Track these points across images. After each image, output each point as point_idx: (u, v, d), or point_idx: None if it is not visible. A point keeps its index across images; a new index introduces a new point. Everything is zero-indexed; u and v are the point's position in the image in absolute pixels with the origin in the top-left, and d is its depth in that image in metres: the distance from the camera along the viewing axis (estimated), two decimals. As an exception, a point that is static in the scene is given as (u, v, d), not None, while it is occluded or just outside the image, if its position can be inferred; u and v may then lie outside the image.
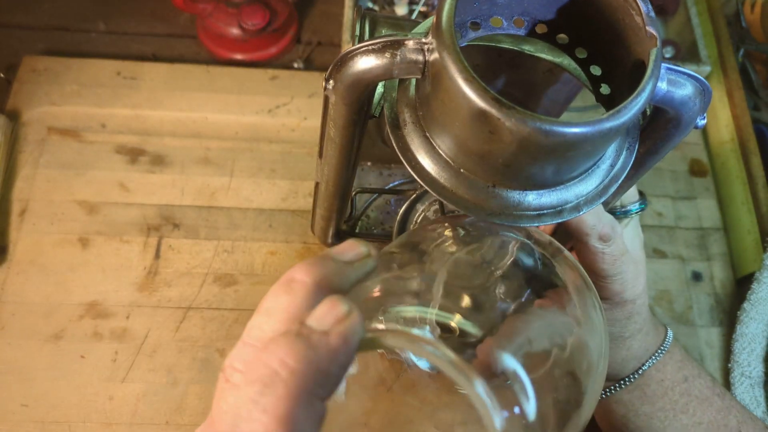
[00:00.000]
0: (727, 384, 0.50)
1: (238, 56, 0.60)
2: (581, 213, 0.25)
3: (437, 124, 0.24)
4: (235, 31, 0.58)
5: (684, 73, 0.24)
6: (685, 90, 0.24)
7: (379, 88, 0.27)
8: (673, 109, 0.25)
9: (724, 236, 0.56)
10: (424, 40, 0.22)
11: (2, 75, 0.57)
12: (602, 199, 0.25)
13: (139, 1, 0.62)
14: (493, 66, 0.30)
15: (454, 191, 0.24)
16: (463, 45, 0.26)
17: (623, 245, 0.34)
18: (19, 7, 0.61)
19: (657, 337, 0.40)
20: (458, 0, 0.22)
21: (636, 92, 0.21)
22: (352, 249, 0.22)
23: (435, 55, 0.22)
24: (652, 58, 0.21)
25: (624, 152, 0.26)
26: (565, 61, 0.28)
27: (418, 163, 0.25)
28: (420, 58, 0.22)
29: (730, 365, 0.50)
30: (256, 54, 0.60)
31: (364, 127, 0.28)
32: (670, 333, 0.41)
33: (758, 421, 0.41)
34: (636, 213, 0.37)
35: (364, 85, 0.24)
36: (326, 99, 0.26)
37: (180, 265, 0.50)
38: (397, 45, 0.23)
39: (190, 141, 0.55)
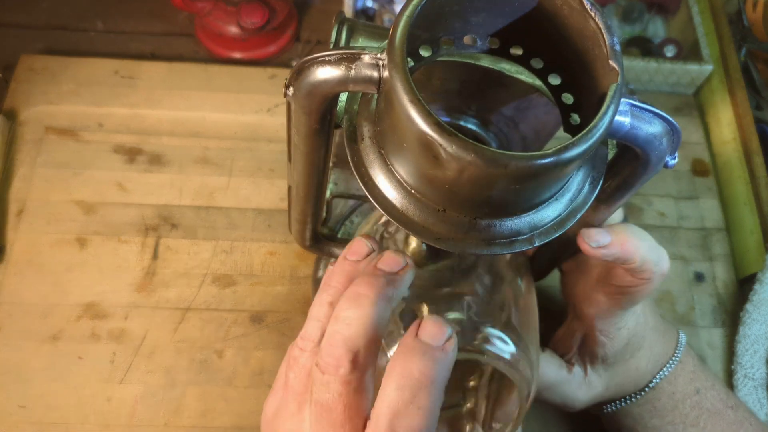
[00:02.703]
0: (730, 386, 0.49)
1: (237, 55, 0.60)
2: (534, 245, 0.24)
3: (390, 143, 0.23)
4: (233, 29, 0.58)
5: (650, 112, 0.23)
6: (651, 128, 0.23)
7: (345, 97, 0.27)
8: (638, 147, 0.24)
9: (727, 236, 0.56)
10: (379, 55, 0.22)
11: (0, 74, 0.57)
12: (558, 233, 0.24)
13: (137, 0, 0.62)
14: (479, 83, 0.29)
15: (404, 212, 0.23)
16: (439, 59, 0.25)
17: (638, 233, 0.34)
18: (16, 6, 0.61)
19: (668, 345, 0.40)
20: (422, 17, 0.21)
21: (586, 130, 0.20)
22: (396, 263, 0.26)
23: (386, 72, 0.21)
24: (610, 94, 0.21)
25: (587, 186, 0.25)
26: (544, 85, 0.27)
27: (371, 179, 0.24)
28: (375, 74, 0.22)
29: (732, 367, 0.50)
30: (255, 53, 0.60)
31: (331, 136, 0.27)
32: (682, 338, 0.40)
33: None
34: None
35: (322, 95, 0.23)
36: (288, 105, 0.25)
37: (178, 266, 0.49)
38: (353, 58, 0.22)
39: (188, 140, 0.54)
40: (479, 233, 0.23)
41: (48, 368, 0.45)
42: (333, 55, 0.22)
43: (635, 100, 0.23)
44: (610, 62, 0.21)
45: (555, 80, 0.26)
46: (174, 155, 0.54)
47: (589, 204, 0.25)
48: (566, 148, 0.20)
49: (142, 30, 0.61)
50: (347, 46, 0.28)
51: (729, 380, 0.50)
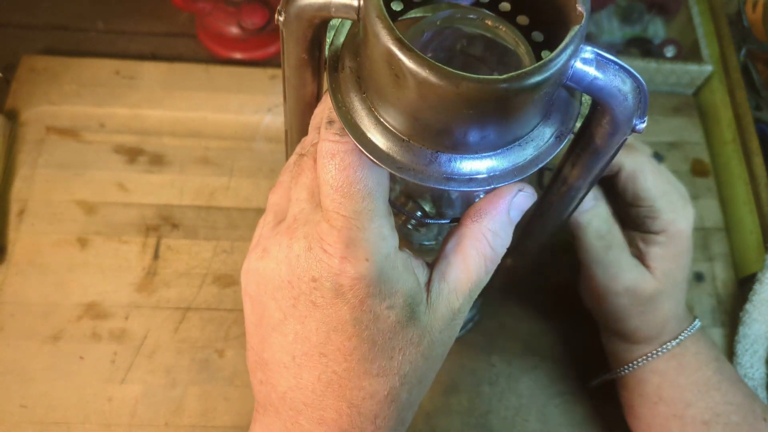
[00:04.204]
0: (730, 385, 0.49)
1: (238, 55, 0.60)
2: (491, 187, 0.24)
3: (365, 70, 0.24)
4: (234, 30, 0.58)
5: (617, 65, 0.23)
6: (616, 82, 0.24)
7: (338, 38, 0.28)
8: (602, 100, 0.24)
9: (726, 236, 0.56)
10: None
11: (0, 74, 0.57)
12: (516, 179, 0.25)
13: (138, 0, 0.62)
14: (473, 47, 0.30)
15: (371, 139, 0.24)
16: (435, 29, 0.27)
17: (658, 165, 0.35)
18: (17, 7, 0.61)
19: (688, 315, 0.41)
20: None
21: (542, 61, 0.21)
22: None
23: None
24: (571, 33, 0.21)
25: (553, 139, 0.25)
26: (520, 50, 0.28)
27: (344, 106, 0.25)
28: (355, 1, 0.23)
29: (732, 367, 0.50)
30: (256, 53, 0.60)
31: (320, 71, 0.28)
32: (697, 320, 0.41)
33: None
34: None
35: (308, 20, 0.24)
36: (281, 35, 0.26)
37: (179, 266, 0.49)
38: None
39: (189, 140, 0.54)
40: (439, 167, 0.24)
41: (49, 368, 0.45)
42: None
43: (603, 51, 0.23)
44: (577, 6, 0.22)
45: (523, 21, 0.27)
46: (175, 155, 0.54)
47: (552, 155, 0.25)
48: (519, 76, 0.20)
49: (142, 30, 0.61)
50: None
51: (729, 380, 0.50)
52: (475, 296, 0.26)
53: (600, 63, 0.23)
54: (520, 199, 0.26)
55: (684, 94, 0.63)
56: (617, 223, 0.37)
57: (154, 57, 0.60)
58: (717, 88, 0.60)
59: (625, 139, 0.26)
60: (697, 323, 0.41)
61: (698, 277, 0.54)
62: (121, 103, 0.55)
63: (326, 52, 0.26)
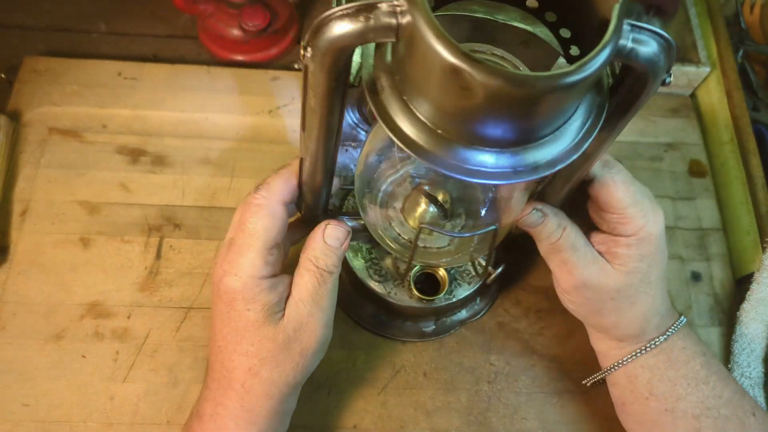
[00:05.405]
0: (727, 384, 0.50)
1: (239, 57, 0.60)
2: (556, 169, 0.26)
3: (413, 86, 0.24)
4: (235, 32, 0.58)
5: (649, 30, 0.25)
6: (650, 47, 0.25)
7: (357, 58, 0.28)
8: (639, 65, 0.25)
9: (724, 236, 0.56)
10: (396, 2, 0.23)
11: (3, 75, 0.57)
12: (575, 156, 0.26)
13: (140, 2, 0.63)
14: (469, 39, 0.31)
15: (431, 151, 0.25)
16: (437, 14, 0.27)
17: (629, 175, 0.37)
18: (19, 8, 0.61)
19: (672, 312, 0.42)
20: None
21: (599, 46, 0.22)
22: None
23: (408, 18, 0.22)
24: (615, 13, 0.22)
25: (595, 110, 0.27)
26: (538, 29, 0.28)
27: (396, 125, 0.25)
28: (393, 21, 0.23)
29: (729, 366, 0.50)
30: (257, 55, 0.60)
31: (345, 97, 0.28)
32: (683, 317, 0.42)
33: (763, 412, 0.41)
34: None
35: (341, 51, 0.24)
36: (305, 68, 0.26)
37: (181, 265, 0.50)
38: (370, 8, 0.23)
39: (191, 141, 0.55)
40: (503, 163, 0.25)
41: (51, 367, 0.45)
42: (351, 8, 0.23)
43: (635, 21, 0.24)
44: None
45: (551, 18, 0.28)
46: (177, 156, 0.54)
47: (598, 127, 0.26)
48: (584, 65, 0.22)
49: (144, 32, 0.61)
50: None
51: (726, 379, 0.50)
52: (323, 302, 0.37)
53: (635, 33, 0.24)
54: (330, 230, 0.37)
55: (682, 95, 0.63)
56: (573, 225, 0.39)
57: (156, 58, 0.60)
58: (714, 89, 0.61)
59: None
60: (683, 320, 0.42)
61: (696, 277, 0.54)
62: (123, 104, 0.55)
63: (355, 79, 0.27)
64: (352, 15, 0.23)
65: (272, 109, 0.57)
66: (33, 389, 0.45)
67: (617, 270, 0.38)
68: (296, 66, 0.61)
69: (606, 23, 0.23)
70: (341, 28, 0.23)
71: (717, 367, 0.41)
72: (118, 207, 0.51)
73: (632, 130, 0.60)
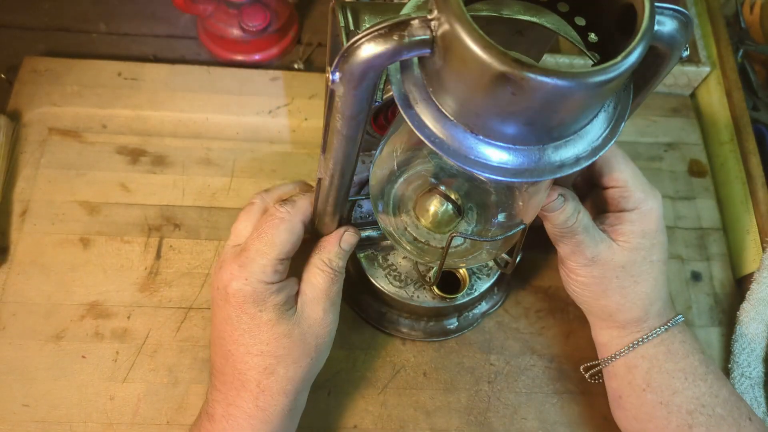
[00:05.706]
0: (727, 384, 0.50)
1: (239, 57, 0.60)
2: (597, 156, 0.26)
3: (451, 96, 0.24)
4: (235, 32, 0.58)
5: (668, 8, 0.25)
6: (670, 25, 0.25)
7: None
8: (662, 44, 0.26)
9: (724, 236, 0.56)
10: (429, 16, 0.23)
11: (3, 76, 0.57)
12: (614, 140, 0.27)
13: (140, 2, 0.63)
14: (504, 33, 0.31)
15: (478, 161, 0.25)
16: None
17: (625, 155, 0.40)
18: (19, 8, 0.61)
19: (673, 308, 0.43)
20: None
21: (640, 33, 0.22)
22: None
23: (444, 28, 0.22)
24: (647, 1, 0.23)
25: (623, 91, 0.27)
26: (541, 19, 0.28)
27: (437, 137, 0.25)
28: (428, 35, 0.23)
29: (729, 365, 0.50)
30: (257, 55, 0.60)
31: (369, 115, 0.28)
32: (680, 315, 0.43)
33: (759, 419, 0.41)
34: None
35: (374, 72, 0.24)
36: (332, 93, 0.26)
37: (181, 266, 0.50)
38: (403, 26, 0.23)
39: (190, 141, 0.55)
40: (548, 159, 0.25)
41: (51, 367, 0.45)
42: (383, 27, 0.23)
43: (656, 2, 0.25)
44: None
45: (564, 8, 0.28)
46: (177, 156, 0.54)
47: (629, 107, 0.27)
48: (632, 51, 0.22)
49: (144, 32, 0.62)
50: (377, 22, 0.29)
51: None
52: (335, 298, 0.39)
53: (657, 14, 0.24)
54: (347, 236, 0.39)
55: (682, 95, 0.63)
56: (584, 209, 0.40)
57: (156, 59, 0.60)
58: (714, 89, 0.61)
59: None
60: (680, 317, 0.42)
61: (696, 277, 0.54)
62: (123, 104, 0.55)
63: (380, 95, 0.27)
64: (385, 35, 0.23)
65: (272, 109, 0.57)
66: (33, 389, 0.45)
67: (622, 246, 0.39)
68: (296, 66, 0.61)
69: (628, 7, 0.23)
70: (374, 49, 0.23)
71: (714, 367, 0.42)
72: (118, 207, 0.51)
73: (632, 130, 0.60)
